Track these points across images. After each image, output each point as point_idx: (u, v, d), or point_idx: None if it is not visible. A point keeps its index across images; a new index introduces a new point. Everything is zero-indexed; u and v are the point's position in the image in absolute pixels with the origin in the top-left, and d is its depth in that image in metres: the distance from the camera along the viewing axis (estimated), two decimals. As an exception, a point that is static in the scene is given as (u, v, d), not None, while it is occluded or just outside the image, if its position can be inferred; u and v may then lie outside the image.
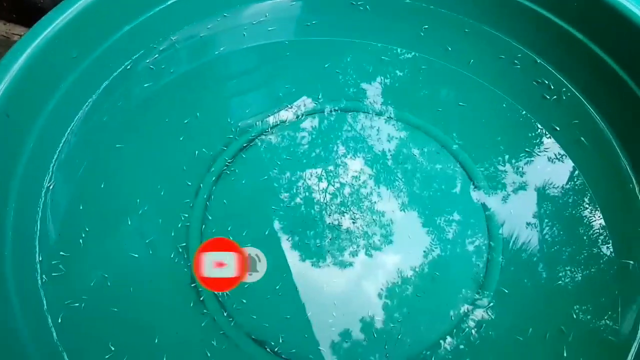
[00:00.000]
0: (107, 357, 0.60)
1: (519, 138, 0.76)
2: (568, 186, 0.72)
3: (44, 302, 0.63)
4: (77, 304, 0.63)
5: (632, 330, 0.63)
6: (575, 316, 0.64)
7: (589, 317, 0.64)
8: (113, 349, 0.61)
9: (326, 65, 0.83)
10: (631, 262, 0.66)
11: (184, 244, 0.67)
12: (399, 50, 0.85)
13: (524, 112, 0.77)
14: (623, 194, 0.71)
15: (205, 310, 0.64)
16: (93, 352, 0.61)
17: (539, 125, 0.77)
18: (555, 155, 0.74)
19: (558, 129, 0.77)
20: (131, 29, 0.79)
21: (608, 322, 0.63)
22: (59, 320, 0.62)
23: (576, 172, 0.73)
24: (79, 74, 0.74)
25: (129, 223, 0.68)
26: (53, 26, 0.68)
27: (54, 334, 0.61)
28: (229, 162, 0.73)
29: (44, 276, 0.64)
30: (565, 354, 0.62)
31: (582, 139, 0.76)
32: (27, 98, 0.67)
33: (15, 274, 0.62)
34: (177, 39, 0.84)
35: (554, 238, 0.68)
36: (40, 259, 0.65)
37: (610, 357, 0.62)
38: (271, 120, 0.78)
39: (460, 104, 0.79)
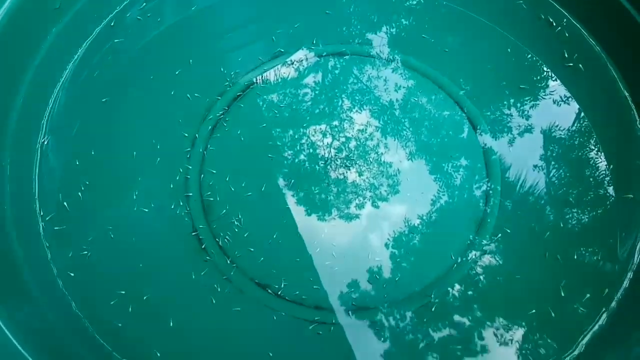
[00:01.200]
0: (112, 302, 0.63)
1: (524, 82, 0.77)
2: (574, 128, 0.73)
3: (48, 253, 0.64)
4: (80, 254, 0.64)
5: (627, 259, 0.66)
6: (579, 256, 0.66)
7: (593, 255, 0.66)
8: (123, 292, 0.63)
9: (327, 12, 0.82)
10: (630, 195, 0.69)
11: (184, 195, 0.68)
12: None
13: (529, 56, 0.78)
14: (625, 128, 0.74)
15: (207, 258, 0.65)
16: (99, 299, 0.62)
17: (545, 68, 0.78)
18: (561, 97, 0.76)
19: (564, 67, 0.78)
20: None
21: (608, 255, 0.66)
22: (64, 270, 0.64)
23: (582, 114, 0.74)
24: (64, 26, 0.73)
25: (128, 176, 0.69)
26: None
27: (60, 283, 0.63)
28: (224, 112, 0.74)
29: (46, 228, 0.65)
30: (562, 293, 0.65)
31: (587, 78, 0.77)
32: (11, 52, 0.67)
33: (17, 227, 0.64)
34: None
35: (560, 180, 0.70)
36: (42, 213, 0.66)
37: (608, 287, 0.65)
38: (268, 70, 0.77)
39: (466, 49, 0.80)
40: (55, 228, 0.65)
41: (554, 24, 0.79)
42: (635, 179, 0.70)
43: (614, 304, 0.63)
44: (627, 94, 0.75)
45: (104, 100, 0.73)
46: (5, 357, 0.51)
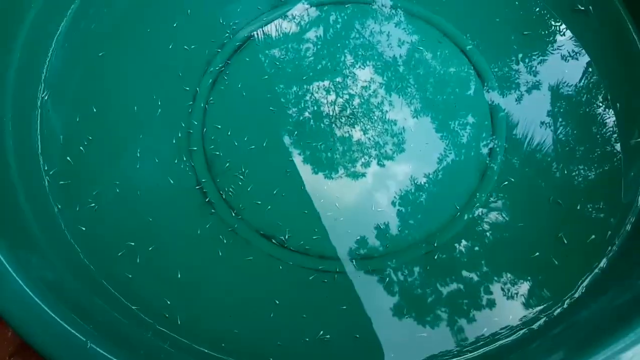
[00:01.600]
0: (119, 254, 0.64)
1: (533, 35, 0.75)
2: (582, 84, 0.72)
3: (55, 207, 0.65)
4: (87, 208, 0.65)
5: (630, 204, 0.67)
6: (584, 208, 0.67)
7: (597, 206, 0.67)
8: (131, 244, 0.64)
9: None
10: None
11: (187, 149, 0.69)
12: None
13: (537, 9, 0.75)
14: (634, 78, 0.73)
15: (212, 211, 0.66)
16: (107, 251, 0.64)
17: (553, 19, 0.75)
18: (570, 52, 0.75)
19: (573, 15, 0.76)
20: None
21: (613, 205, 0.67)
22: (71, 223, 0.65)
23: (590, 69, 0.73)
24: None
25: (129, 131, 0.69)
26: None
27: (68, 235, 0.64)
28: (224, 66, 0.73)
29: (51, 183, 0.66)
30: (565, 241, 0.65)
31: (597, 25, 0.76)
32: (6, 5, 0.67)
33: (23, 181, 0.64)
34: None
35: (567, 137, 0.70)
36: (46, 167, 0.66)
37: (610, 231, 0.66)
38: (268, 22, 0.76)
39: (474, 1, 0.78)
40: (60, 182, 0.66)
41: None
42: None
43: (615, 247, 0.64)
44: (636, 37, 0.74)
45: (100, 54, 0.72)
46: (21, 306, 0.52)
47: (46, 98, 0.69)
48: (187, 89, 0.71)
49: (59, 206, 0.65)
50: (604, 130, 0.70)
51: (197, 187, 0.67)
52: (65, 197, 0.65)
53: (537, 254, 0.64)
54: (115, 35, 0.74)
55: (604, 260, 0.64)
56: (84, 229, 0.64)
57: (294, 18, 0.76)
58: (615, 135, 0.69)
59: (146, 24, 0.75)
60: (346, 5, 0.77)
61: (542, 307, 0.62)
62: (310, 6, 0.77)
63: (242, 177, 0.67)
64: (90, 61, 0.72)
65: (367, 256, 0.65)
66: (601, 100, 0.71)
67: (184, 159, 0.68)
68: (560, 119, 0.70)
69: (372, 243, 0.65)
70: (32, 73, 0.69)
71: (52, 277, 0.59)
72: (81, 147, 0.68)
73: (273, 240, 0.65)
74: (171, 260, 0.64)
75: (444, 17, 0.76)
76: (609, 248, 0.64)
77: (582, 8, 0.75)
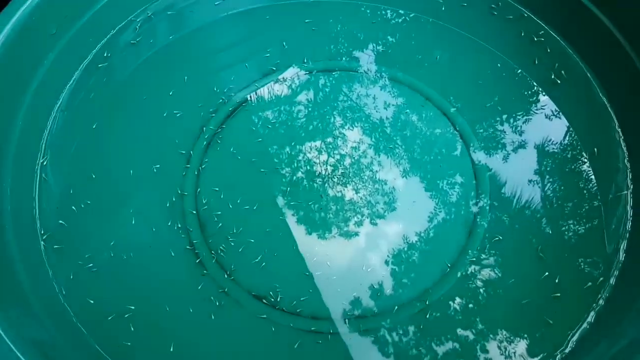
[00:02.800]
0: (109, 318, 0.64)
1: (515, 97, 0.80)
2: (566, 141, 0.75)
3: (49, 271, 0.66)
4: (80, 271, 0.66)
5: (612, 257, 0.69)
6: (581, 268, 0.67)
7: (593, 269, 0.67)
8: (131, 307, 0.65)
9: (313, 29, 0.85)
10: (624, 192, 0.71)
11: (180, 211, 0.71)
12: (388, 13, 0.85)
13: (519, 71, 0.81)
14: (606, 134, 0.76)
15: (204, 272, 0.67)
16: (99, 314, 0.64)
17: (534, 83, 0.80)
18: (552, 111, 0.78)
19: (550, 81, 0.80)
20: (107, 3, 0.80)
21: (601, 259, 0.68)
22: (64, 287, 0.66)
23: (570, 127, 0.77)
24: (60, 50, 0.76)
25: (125, 195, 0.72)
26: (29, 3, 0.70)
27: (61, 299, 0.65)
28: (218, 130, 0.76)
29: (46, 247, 0.67)
30: (557, 296, 0.66)
31: (570, 89, 0.80)
32: (11, 76, 0.69)
33: (19, 244, 0.65)
34: (153, 12, 0.86)
35: (555, 193, 0.71)
36: (42, 231, 0.68)
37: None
38: (259, 89, 0.80)
39: (455, 65, 0.82)
40: (55, 246, 0.67)
41: (535, 39, 0.83)
42: (619, 179, 0.73)
43: (601, 300, 0.65)
44: (605, 100, 0.78)
45: (98, 121, 0.76)
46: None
47: (45, 163, 0.72)
48: (182, 152, 0.75)
49: (53, 270, 0.66)
50: (590, 185, 0.71)
51: (190, 248, 0.68)
52: (59, 261, 0.67)
53: (528, 310, 0.65)
54: (113, 104, 0.78)
55: (592, 313, 0.65)
56: (76, 291, 0.65)
57: (284, 82, 0.80)
58: (598, 188, 0.72)
59: (142, 91, 0.79)
60: (334, 73, 0.81)
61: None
62: (300, 71, 0.81)
63: (234, 237, 0.69)
64: (88, 127, 0.76)
65: (361, 316, 0.65)
66: (586, 157, 0.73)
67: (177, 220, 0.70)
68: (547, 177, 0.72)
69: (365, 302, 0.66)
70: (32, 140, 0.73)
71: (44, 339, 0.60)
72: (76, 211, 0.70)
73: (264, 301, 0.66)
74: (164, 324, 0.64)
75: (426, 82, 0.80)
76: (597, 301, 0.65)
77: (556, 77, 0.80)
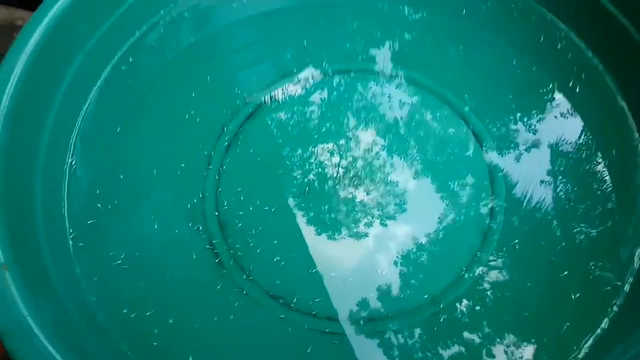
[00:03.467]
0: (132, 316, 0.67)
1: (530, 96, 0.79)
2: (580, 141, 0.74)
3: (77, 269, 0.70)
4: (104, 271, 0.70)
5: (627, 264, 0.69)
6: (594, 273, 0.68)
7: (599, 267, 0.68)
8: (152, 306, 0.68)
9: (330, 32, 0.86)
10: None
11: (200, 212, 0.73)
12: (406, 11, 0.85)
13: (534, 69, 0.79)
14: (623, 137, 0.75)
15: (224, 271, 0.70)
16: (123, 313, 0.68)
17: (549, 81, 0.79)
18: (567, 110, 0.77)
19: (567, 80, 0.79)
20: (132, 4, 0.82)
21: (613, 264, 0.68)
22: (90, 286, 0.69)
23: (586, 128, 0.76)
24: (89, 51, 0.78)
25: (148, 194, 0.75)
26: (59, 4, 0.72)
27: (87, 297, 0.68)
28: (238, 132, 0.79)
29: (74, 245, 0.71)
30: (570, 300, 0.66)
31: (588, 90, 0.79)
32: (43, 76, 0.72)
33: (50, 243, 0.68)
34: (178, 12, 0.88)
35: (568, 195, 0.71)
36: (70, 230, 0.72)
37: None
38: (278, 91, 0.82)
39: (471, 63, 0.82)
40: (81, 244, 0.71)
41: (553, 39, 0.82)
42: (636, 182, 0.72)
43: (615, 307, 0.66)
44: (624, 104, 0.76)
45: (122, 123, 0.79)
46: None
47: (74, 164, 0.76)
48: (205, 153, 0.77)
49: (81, 268, 0.70)
50: (605, 186, 0.71)
51: (210, 248, 0.71)
52: (85, 259, 0.71)
53: (539, 315, 0.66)
54: (138, 105, 0.81)
55: (606, 320, 0.65)
56: (103, 289, 0.69)
57: (300, 83, 0.82)
58: (613, 190, 0.72)
59: (167, 92, 0.82)
60: (350, 73, 0.83)
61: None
62: (319, 72, 0.83)
63: (252, 238, 0.72)
64: (113, 128, 0.79)
65: (376, 318, 0.67)
66: (600, 157, 0.72)
67: (198, 221, 0.73)
68: (560, 177, 0.72)
69: (380, 304, 0.68)
70: (62, 140, 0.76)
71: (77, 339, 0.63)
72: (102, 210, 0.73)
73: (282, 301, 0.69)
74: (186, 325, 0.67)
75: (441, 80, 0.80)
76: (611, 307, 0.66)
77: (573, 77, 0.79)
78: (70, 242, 0.71)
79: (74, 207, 0.73)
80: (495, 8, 0.85)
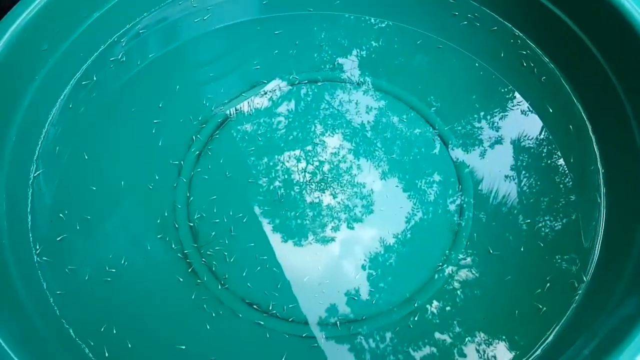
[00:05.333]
0: (102, 329, 0.67)
1: (492, 95, 0.82)
2: (541, 136, 0.77)
3: (44, 284, 0.70)
4: (72, 284, 0.70)
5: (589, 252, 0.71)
6: (557, 265, 0.70)
7: (571, 264, 0.70)
8: (125, 319, 0.68)
9: (297, 42, 0.88)
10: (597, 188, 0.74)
11: (172, 222, 0.74)
12: (372, 20, 0.87)
13: (495, 71, 0.84)
14: (580, 139, 0.78)
15: (198, 281, 0.71)
16: (95, 327, 0.68)
17: (509, 82, 0.83)
18: (528, 108, 0.80)
19: (526, 81, 0.83)
20: (97, 19, 0.84)
21: (579, 254, 0.71)
22: (58, 300, 0.69)
23: (545, 125, 0.80)
24: (52, 65, 0.79)
25: (116, 206, 0.76)
26: (20, 20, 0.73)
27: (57, 311, 0.68)
28: (206, 143, 0.80)
29: (40, 261, 0.71)
30: (536, 295, 0.68)
31: (546, 91, 0.82)
32: (4, 91, 0.73)
33: (15, 258, 0.68)
34: (143, 26, 0.89)
35: (531, 189, 0.74)
36: (35, 245, 0.72)
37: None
38: (246, 101, 0.84)
39: (435, 68, 0.86)
40: (47, 259, 0.71)
41: (510, 44, 0.86)
42: (593, 175, 0.75)
43: (578, 298, 0.68)
44: (576, 100, 0.80)
45: (84, 140, 0.79)
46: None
47: (38, 176, 0.76)
48: (175, 163, 0.78)
49: (47, 282, 0.70)
50: (566, 180, 0.73)
51: (182, 259, 0.72)
52: (52, 273, 0.71)
53: (508, 310, 0.68)
54: (104, 117, 0.82)
55: (569, 311, 0.67)
56: (71, 303, 0.69)
57: (267, 94, 0.84)
58: (573, 183, 0.75)
59: (133, 104, 0.83)
60: (318, 83, 0.85)
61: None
62: (288, 82, 0.85)
63: (225, 247, 0.73)
64: (79, 141, 0.79)
65: (353, 320, 0.68)
66: (560, 152, 0.75)
67: (169, 231, 0.74)
68: (523, 172, 0.75)
69: (346, 309, 0.69)
70: (25, 154, 0.76)
71: (46, 351, 0.64)
72: (68, 224, 0.73)
73: (258, 308, 0.69)
74: (160, 335, 0.68)
75: (407, 84, 0.83)
76: (574, 298, 0.68)
77: (532, 78, 0.83)
78: (36, 257, 0.71)
79: (38, 222, 0.74)
80: (458, 18, 0.88)
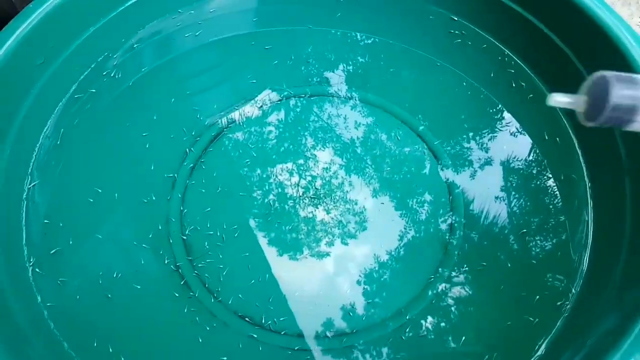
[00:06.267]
0: (95, 345, 0.68)
1: (481, 115, 0.85)
2: (530, 158, 0.79)
3: (38, 297, 0.69)
4: (67, 296, 0.70)
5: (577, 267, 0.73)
6: (547, 280, 0.72)
7: (560, 279, 0.72)
8: (117, 332, 0.69)
9: (290, 52, 0.90)
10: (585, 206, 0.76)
11: (165, 235, 0.75)
12: (358, 36, 0.89)
13: (483, 90, 0.84)
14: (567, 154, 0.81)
15: (191, 294, 0.72)
16: (89, 341, 0.67)
17: (498, 102, 0.85)
18: (517, 128, 0.82)
19: (514, 100, 0.86)
20: (92, 34, 0.85)
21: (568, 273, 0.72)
22: (53, 312, 0.69)
23: (534, 145, 0.82)
24: (47, 79, 0.80)
25: (110, 219, 0.76)
26: (16, 35, 0.74)
27: (51, 324, 0.68)
28: (200, 156, 0.81)
29: (33, 272, 0.71)
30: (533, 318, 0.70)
31: (534, 109, 0.85)
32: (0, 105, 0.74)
33: (9, 271, 0.68)
34: (136, 41, 0.91)
35: (522, 209, 0.76)
36: (30, 258, 0.71)
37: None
38: (237, 113, 0.85)
39: (423, 85, 0.88)
40: (42, 272, 0.71)
41: (497, 60, 0.88)
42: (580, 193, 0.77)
43: (566, 312, 0.70)
44: (566, 122, 0.82)
45: (78, 152, 0.80)
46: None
47: (32, 189, 0.76)
48: (169, 175, 0.79)
49: (41, 296, 0.70)
50: (556, 201, 0.75)
51: (175, 271, 0.73)
52: (46, 286, 0.70)
53: (498, 326, 0.69)
54: (98, 129, 0.82)
55: (558, 325, 0.69)
56: (64, 316, 0.69)
57: (260, 106, 0.86)
58: (562, 203, 0.77)
59: (125, 117, 0.84)
60: (307, 96, 0.87)
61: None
62: (275, 95, 0.86)
63: (218, 261, 0.73)
64: (73, 154, 0.80)
65: (345, 333, 0.69)
66: (549, 172, 0.77)
67: (163, 245, 0.74)
68: (513, 193, 0.77)
69: (341, 324, 0.70)
70: (20, 166, 0.77)
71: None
72: (62, 236, 0.73)
73: (250, 321, 0.70)
74: (152, 349, 0.68)
75: (395, 101, 0.86)
76: (563, 314, 0.70)
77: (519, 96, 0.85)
78: (30, 269, 0.71)
79: (32, 235, 0.74)
80: (444, 35, 0.91)
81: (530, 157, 0.80)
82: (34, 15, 0.75)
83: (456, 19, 0.91)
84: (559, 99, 0.38)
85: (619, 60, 0.73)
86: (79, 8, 0.80)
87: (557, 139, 0.81)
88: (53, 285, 0.71)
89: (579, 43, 0.80)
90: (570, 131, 0.81)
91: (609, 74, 0.34)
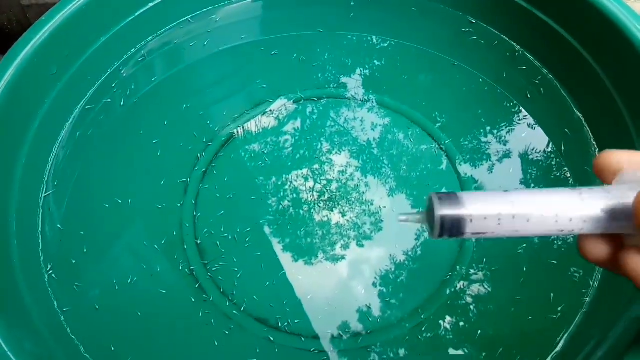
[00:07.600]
0: (113, 349, 0.69)
1: (498, 110, 0.85)
2: (549, 149, 0.78)
3: (55, 302, 0.71)
4: (83, 303, 0.72)
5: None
6: (568, 278, 0.71)
7: (578, 272, 0.71)
8: (133, 336, 0.70)
9: (302, 57, 0.91)
10: None
11: (179, 240, 0.76)
12: (374, 40, 0.89)
13: (499, 86, 0.85)
14: (581, 147, 0.80)
15: (205, 296, 0.73)
16: (107, 346, 0.69)
17: (513, 99, 0.85)
18: (534, 122, 0.82)
19: (531, 98, 0.85)
20: (104, 43, 0.87)
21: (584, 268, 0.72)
22: (69, 318, 0.71)
23: (550, 138, 0.82)
24: (61, 89, 0.82)
25: (124, 225, 0.78)
26: (31, 45, 0.76)
27: (68, 329, 0.70)
28: (211, 162, 0.82)
29: (50, 279, 0.72)
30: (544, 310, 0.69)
31: (548, 103, 0.84)
32: (15, 116, 0.75)
33: (26, 278, 0.70)
34: (148, 49, 0.93)
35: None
36: (46, 264, 0.73)
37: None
38: (249, 119, 0.86)
39: (439, 84, 0.88)
40: (58, 278, 0.73)
41: (511, 59, 0.88)
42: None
43: (586, 308, 0.69)
44: (580, 115, 0.81)
45: (92, 161, 0.82)
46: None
47: (48, 197, 0.79)
48: (183, 180, 0.80)
49: (58, 301, 0.72)
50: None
51: (190, 275, 0.74)
52: (63, 292, 0.72)
53: (522, 324, 0.69)
54: (111, 138, 0.85)
55: (578, 317, 0.68)
56: (81, 321, 0.71)
57: (273, 113, 0.87)
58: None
59: (139, 126, 0.86)
60: (322, 100, 0.88)
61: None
62: (291, 101, 0.88)
63: (232, 264, 0.74)
64: (87, 162, 0.82)
65: (360, 333, 0.69)
66: (567, 164, 0.76)
67: (177, 249, 0.75)
68: (532, 185, 0.75)
69: (357, 326, 0.70)
70: (35, 175, 0.79)
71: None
72: (77, 242, 0.75)
73: (266, 324, 0.70)
74: (170, 352, 0.69)
75: (411, 101, 0.86)
76: (583, 308, 0.69)
77: (532, 92, 0.85)
78: (47, 276, 0.73)
79: (48, 242, 0.76)
80: (460, 36, 0.91)
81: (546, 153, 0.80)
82: (48, 25, 0.77)
83: (472, 20, 0.91)
84: (402, 218, 0.40)
85: (632, 57, 0.72)
86: (91, 16, 0.82)
87: (573, 133, 0.81)
88: (69, 291, 0.73)
89: (591, 39, 0.79)
90: (585, 125, 0.81)
91: (434, 194, 0.37)
